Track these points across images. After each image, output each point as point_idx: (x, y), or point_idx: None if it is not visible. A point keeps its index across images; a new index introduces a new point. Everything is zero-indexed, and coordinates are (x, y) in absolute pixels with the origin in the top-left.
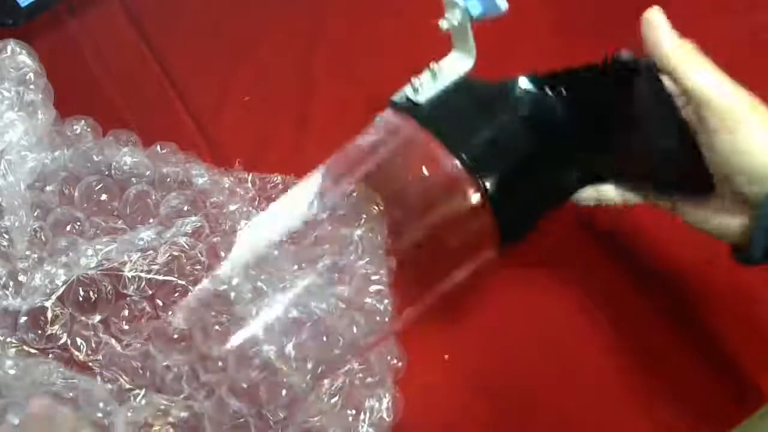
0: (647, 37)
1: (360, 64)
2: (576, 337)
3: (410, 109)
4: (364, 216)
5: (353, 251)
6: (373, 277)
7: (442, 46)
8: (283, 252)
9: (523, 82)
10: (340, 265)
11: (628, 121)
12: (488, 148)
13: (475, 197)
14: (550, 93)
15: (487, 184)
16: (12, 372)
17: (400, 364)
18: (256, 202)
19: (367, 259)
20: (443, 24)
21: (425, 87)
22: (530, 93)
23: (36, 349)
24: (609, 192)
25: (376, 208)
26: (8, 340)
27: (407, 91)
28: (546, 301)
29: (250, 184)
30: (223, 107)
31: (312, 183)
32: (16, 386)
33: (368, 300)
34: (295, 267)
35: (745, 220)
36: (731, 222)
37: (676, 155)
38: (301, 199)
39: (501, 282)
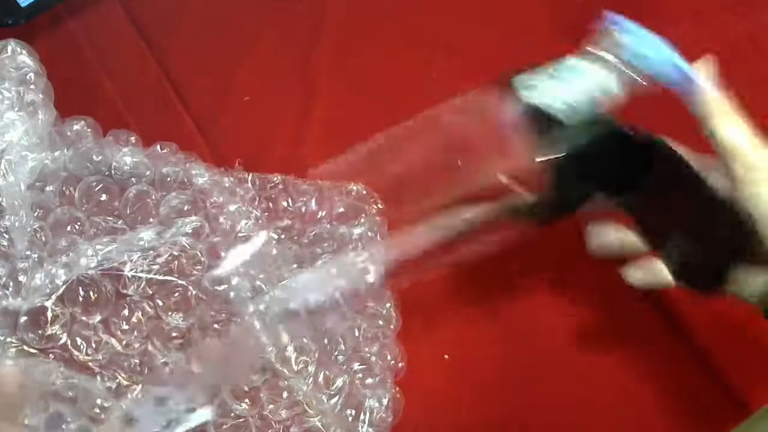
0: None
1: (360, 64)
2: (575, 339)
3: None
4: (364, 215)
5: (352, 248)
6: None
7: (441, 44)
8: (282, 250)
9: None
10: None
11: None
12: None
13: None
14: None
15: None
16: None
17: (400, 364)
18: (256, 203)
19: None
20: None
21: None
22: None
23: (36, 349)
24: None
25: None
26: (8, 340)
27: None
28: (546, 302)
29: (250, 184)
30: (223, 107)
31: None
32: None
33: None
34: (294, 265)
35: None
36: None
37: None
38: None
39: (500, 282)
